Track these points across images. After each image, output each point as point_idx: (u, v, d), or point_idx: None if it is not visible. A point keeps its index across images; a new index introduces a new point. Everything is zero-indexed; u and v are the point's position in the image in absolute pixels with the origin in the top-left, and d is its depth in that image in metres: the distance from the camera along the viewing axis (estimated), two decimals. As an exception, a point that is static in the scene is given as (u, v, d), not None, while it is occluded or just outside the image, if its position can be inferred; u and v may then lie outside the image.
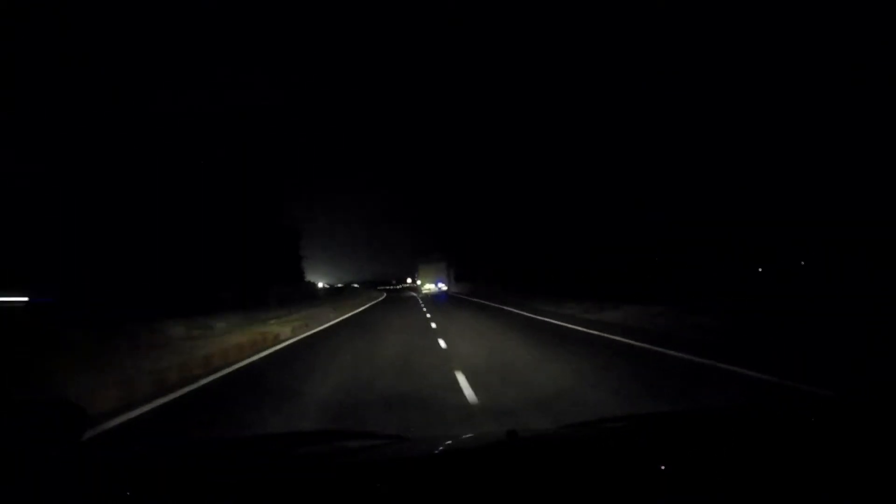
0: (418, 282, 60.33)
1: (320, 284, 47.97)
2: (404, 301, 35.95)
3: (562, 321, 13.64)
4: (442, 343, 9.47)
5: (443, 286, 56.31)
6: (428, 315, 17.74)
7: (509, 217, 56.41)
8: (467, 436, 2.11)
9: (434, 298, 38.60)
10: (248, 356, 8.39)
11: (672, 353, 7.38)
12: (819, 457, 1.12)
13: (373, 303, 33.12)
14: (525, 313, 17.35)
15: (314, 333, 12.61)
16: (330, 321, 16.43)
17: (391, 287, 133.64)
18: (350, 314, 20.50)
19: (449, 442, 1.77)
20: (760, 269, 31.93)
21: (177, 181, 25.86)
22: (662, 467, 1.14)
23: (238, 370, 7.18)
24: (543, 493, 1.01)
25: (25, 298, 19.53)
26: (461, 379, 5.77)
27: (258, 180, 34.22)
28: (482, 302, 27.67)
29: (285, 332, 11.85)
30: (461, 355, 7.75)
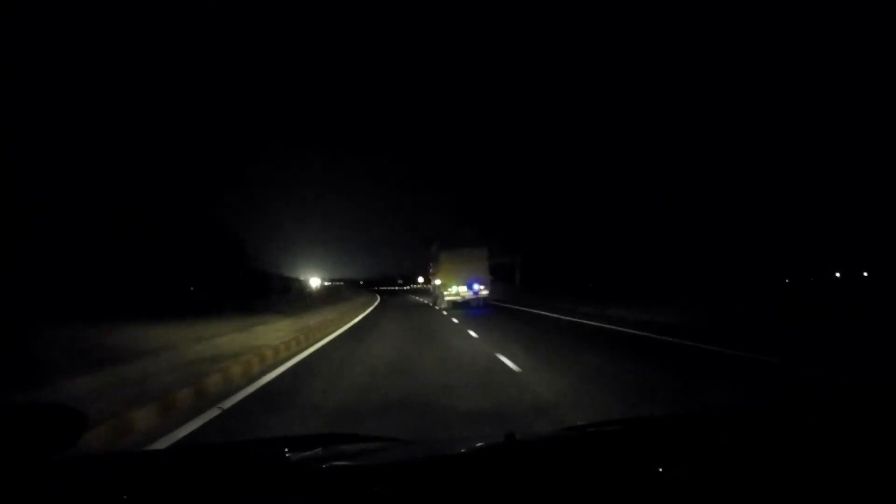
0: (437, 281, 30.51)
1: (313, 283, 34.65)
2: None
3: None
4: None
5: (481, 289, 27.62)
6: None
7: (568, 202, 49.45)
8: (466, 438, 2.14)
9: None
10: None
11: None
12: (817, 458, 1.13)
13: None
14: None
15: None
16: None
17: (397, 288, 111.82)
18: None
19: (447, 445, 1.80)
20: (838, 275, 32.07)
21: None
22: (661, 469, 1.16)
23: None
24: (542, 496, 1.02)
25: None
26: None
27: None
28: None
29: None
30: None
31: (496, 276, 30.47)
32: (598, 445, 1.47)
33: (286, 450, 1.57)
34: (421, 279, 74.40)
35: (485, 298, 27.36)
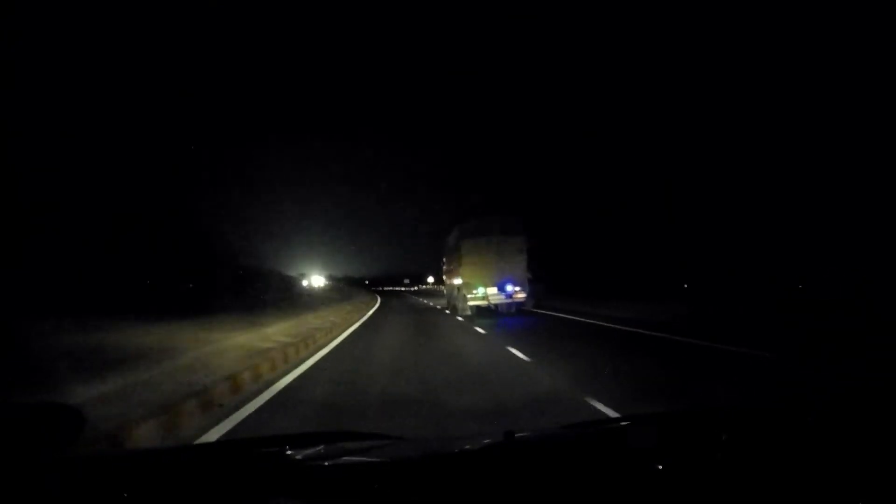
0: (455, 280, 21.60)
1: (315, 282, 32.07)
2: None
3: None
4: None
5: (517, 292, 19.62)
6: None
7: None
8: (467, 437, 2.15)
9: None
10: None
11: None
12: (817, 458, 1.15)
13: None
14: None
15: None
16: None
17: (403, 289, 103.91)
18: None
19: (448, 443, 1.80)
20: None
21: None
22: (660, 467, 1.18)
23: None
24: (541, 494, 1.03)
25: None
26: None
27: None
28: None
29: None
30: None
31: (535, 276, 22.30)
32: (597, 443, 1.49)
33: (287, 447, 1.58)
34: (431, 279, 65.95)
35: (519, 304, 20.06)
